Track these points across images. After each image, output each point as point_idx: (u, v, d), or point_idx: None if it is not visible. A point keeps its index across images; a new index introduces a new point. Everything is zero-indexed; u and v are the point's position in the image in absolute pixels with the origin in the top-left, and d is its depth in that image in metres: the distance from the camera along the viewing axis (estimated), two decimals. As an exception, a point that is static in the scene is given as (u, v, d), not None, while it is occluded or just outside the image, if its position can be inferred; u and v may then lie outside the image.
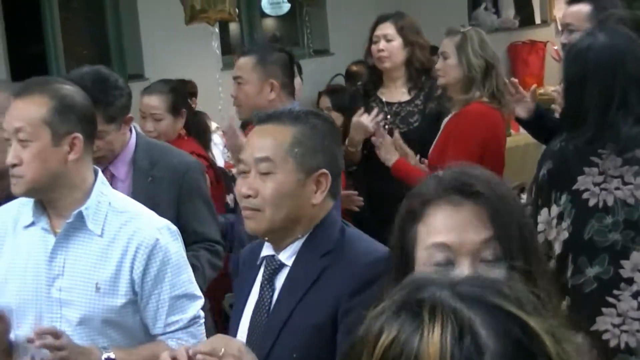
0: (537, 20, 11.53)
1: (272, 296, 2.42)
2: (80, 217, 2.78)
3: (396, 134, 4.68)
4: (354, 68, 7.75)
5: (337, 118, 5.48)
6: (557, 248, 3.26)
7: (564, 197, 3.25)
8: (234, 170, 5.89)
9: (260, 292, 2.45)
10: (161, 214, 2.99)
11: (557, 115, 4.17)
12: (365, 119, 4.73)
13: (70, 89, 2.83)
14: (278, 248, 2.44)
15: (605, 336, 3.20)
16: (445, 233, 1.75)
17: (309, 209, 2.40)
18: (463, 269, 1.68)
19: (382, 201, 4.33)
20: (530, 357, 1.08)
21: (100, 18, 8.27)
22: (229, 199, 5.35)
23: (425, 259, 1.76)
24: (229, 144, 4.47)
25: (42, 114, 2.74)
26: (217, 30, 7.38)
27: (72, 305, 2.78)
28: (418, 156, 4.65)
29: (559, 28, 5.19)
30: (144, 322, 2.85)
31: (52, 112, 2.75)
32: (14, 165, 2.75)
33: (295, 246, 2.42)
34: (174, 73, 6.89)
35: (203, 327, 2.95)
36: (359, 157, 4.86)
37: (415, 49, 4.89)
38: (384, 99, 4.97)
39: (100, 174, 2.89)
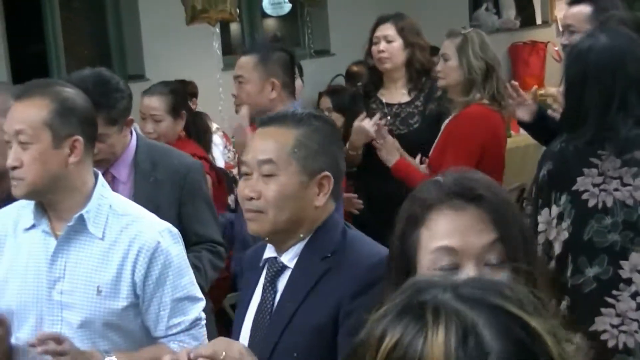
0: (538, 21, 11.53)
1: (274, 298, 2.42)
2: (81, 220, 2.77)
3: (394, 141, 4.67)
4: (355, 68, 7.73)
5: (338, 119, 5.48)
6: (557, 248, 3.26)
7: (563, 198, 3.25)
8: (234, 171, 5.91)
9: (262, 294, 2.45)
10: (162, 215, 2.99)
11: (554, 114, 4.17)
12: (367, 124, 4.70)
13: (71, 92, 2.82)
14: (280, 250, 2.44)
15: (603, 336, 3.20)
16: (450, 237, 1.75)
17: (312, 211, 2.40)
18: (468, 273, 1.68)
19: (382, 202, 4.33)
20: (533, 358, 1.08)
21: (101, 18, 8.26)
22: (230, 199, 5.35)
23: (429, 264, 1.75)
24: (238, 142, 4.45)
25: (42, 117, 2.73)
26: (218, 30, 7.37)
27: (73, 308, 2.77)
28: (419, 156, 4.65)
29: (560, 29, 5.19)
30: (146, 324, 2.84)
31: (52, 114, 2.74)
32: (15, 168, 2.74)
33: (298, 248, 2.42)
34: (175, 73, 6.90)
35: (204, 329, 2.94)
36: (359, 160, 4.86)
37: (416, 50, 4.87)
38: (384, 100, 4.95)
39: (100, 176, 2.88)
